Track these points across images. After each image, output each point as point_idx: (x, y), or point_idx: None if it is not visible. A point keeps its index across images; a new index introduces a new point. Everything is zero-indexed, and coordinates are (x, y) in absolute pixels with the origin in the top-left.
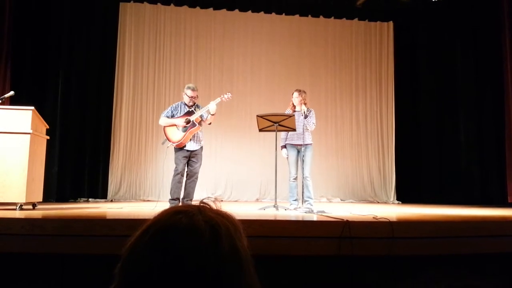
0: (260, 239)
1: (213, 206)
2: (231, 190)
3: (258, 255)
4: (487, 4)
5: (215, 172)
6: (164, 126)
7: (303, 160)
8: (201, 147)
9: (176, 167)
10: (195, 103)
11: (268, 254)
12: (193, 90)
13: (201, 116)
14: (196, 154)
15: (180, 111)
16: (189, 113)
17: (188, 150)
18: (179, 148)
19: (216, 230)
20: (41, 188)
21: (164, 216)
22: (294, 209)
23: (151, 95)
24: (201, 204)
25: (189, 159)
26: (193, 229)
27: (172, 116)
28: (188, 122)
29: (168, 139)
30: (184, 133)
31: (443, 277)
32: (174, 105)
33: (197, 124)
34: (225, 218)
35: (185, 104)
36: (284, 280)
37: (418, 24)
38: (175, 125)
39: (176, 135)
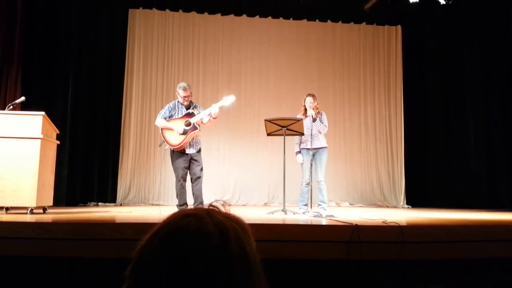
0: (268, 243)
1: (222, 209)
2: (240, 194)
3: (266, 259)
4: (494, 7)
5: (223, 176)
6: (162, 128)
7: (316, 164)
8: (199, 150)
9: (176, 172)
10: (191, 102)
11: (277, 258)
12: (184, 89)
13: (201, 119)
14: (196, 156)
15: (178, 111)
16: (189, 114)
17: (187, 154)
18: (178, 153)
19: (225, 233)
20: (51, 192)
21: (173, 220)
22: (303, 213)
23: (160, 100)
24: (210, 207)
25: (189, 163)
26: (202, 232)
27: (170, 117)
28: (188, 124)
29: (166, 141)
30: (184, 137)
31: (453, 281)
32: (171, 105)
33: (198, 127)
34: (233, 221)
35: (183, 105)
36: (293, 284)
37: (426, 28)
38: (173, 129)
39: (175, 138)
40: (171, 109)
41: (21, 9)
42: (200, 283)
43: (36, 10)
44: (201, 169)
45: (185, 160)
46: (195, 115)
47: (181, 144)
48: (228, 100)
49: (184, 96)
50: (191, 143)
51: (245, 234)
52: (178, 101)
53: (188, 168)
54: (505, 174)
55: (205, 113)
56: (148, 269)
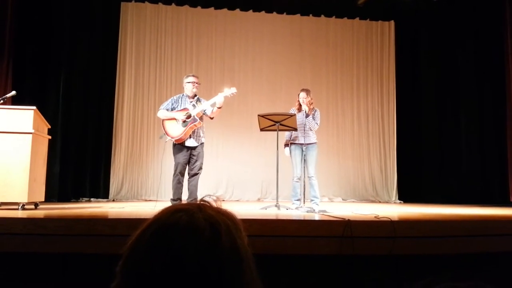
0: (261, 239)
1: (214, 204)
2: (233, 189)
3: (260, 254)
4: (489, 4)
5: (216, 171)
6: (163, 120)
7: (305, 160)
8: (202, 144)
9: (175, 166)
10: (196, 95)
11: (270, 254)
12: (193, 76)
13: (203, 111)
14: (196, 152)
15: (181, 104)
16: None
17: (188, 147)
18: (178, 144)
19: (216, 228)
20: (43, 188)
21: (164, 215)
22: (296, 208)
23: (153, 95)
24: (202, 202)
25: (189, 157)
26: (193, 227)
27: (172, 109)
28: (189, 116)
29: (166, 133)
30: (184, 128)
31: (445, 276)
32: (175, 97)
33: (198, 119)
34: (225, 216)
35: (187, 97)
36: (285, 279)
37: (419, 24)
38: (175, 119)
39: (175, 129)
40: (174, 102)
41: (12, 1)
42: (192, 278)
43: (28, 3)
44: (200, 167)
45: (185, 155)
46: (196, 107)
47: (180, 136)
48: (229, 90)
49: (193, 82)
50: (191, 135)
51: (237, 229)
52: (183, 95)
53: (188, 162)
54: (497, 170)
55: (208, 103)
56: (139, 265)
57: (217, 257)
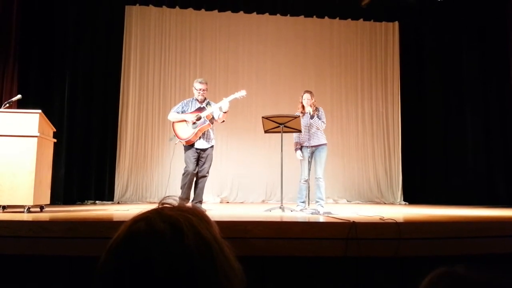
0: (266, 241)
1: (174, 204)
2: (237, 191)
3: (264, 256)
4: (493, 3)
5: (221, 173)
6: (173, 122)
7: (315, 161)
8: (212, 146)
9: (186, 166)
10: (205, 98)
11: (275, 256)
12: (201, 82)
13: (212, 114)
14: (205, 154)
15: (191, 107)
16: (201, 109)
17: (197, 149)
18: (188, 146)
19: (176, 225)
20: (49, 190)
21: (125, 228)
22: (301, 210)
23: (157, 97)
24: (161, 206)
25: (198, 159)
26: (152, 232)
27: (183, 112)
28: (198, 118)
29: (176, 135)
30: (193, 130)
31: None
32: (185, 101)
33: (207, 121)
34: (185, 212)
35: (197, 100)
36: (290, 281)
37: (423, 24)
38: (185, 121)
39: (185, 131)
40: (185, 105)
41: (17, 5)
42: (165, 281)
43: (32, 7)
44: (208, 170)
45: (194, 155)
46: (206, 110)
47: (190, 138)
48: (239, 93)
49: (200, 89)
50: (201, 137)
51: (201, 221)
52: (193, 99)
53: (197, 164)
54: (503, 171)
55: (216, 106)
56: (109, 282)
57: (185, 252)
